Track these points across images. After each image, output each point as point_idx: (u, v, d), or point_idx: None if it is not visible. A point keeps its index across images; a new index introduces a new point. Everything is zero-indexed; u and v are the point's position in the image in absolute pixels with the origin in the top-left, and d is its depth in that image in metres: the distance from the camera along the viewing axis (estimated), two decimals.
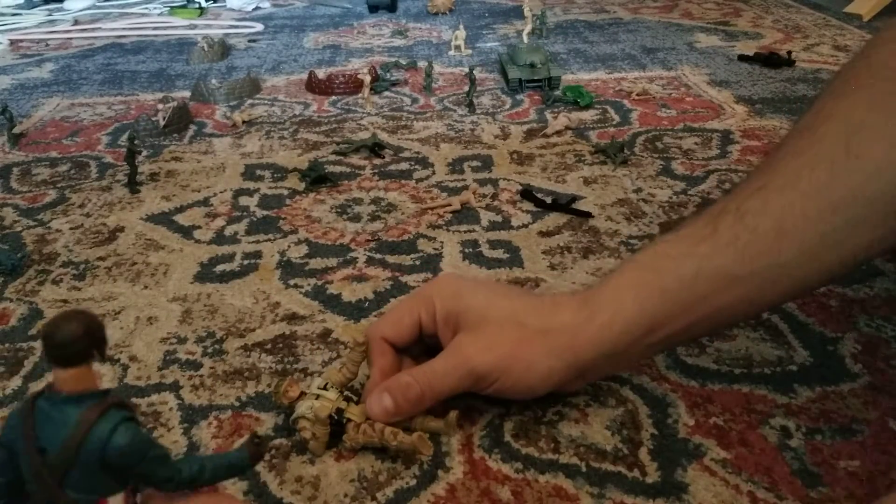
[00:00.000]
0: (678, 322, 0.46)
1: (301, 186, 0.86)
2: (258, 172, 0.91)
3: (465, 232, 0.75)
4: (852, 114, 0.46)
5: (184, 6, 1.89)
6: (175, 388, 0.54)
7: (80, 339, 0.33)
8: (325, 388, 0.48)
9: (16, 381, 0.55)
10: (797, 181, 0.45)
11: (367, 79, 1.11)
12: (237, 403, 0.52)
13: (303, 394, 0.48)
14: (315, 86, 1.20)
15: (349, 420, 0.47)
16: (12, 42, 1.59)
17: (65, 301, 0.65)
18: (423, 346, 0.51)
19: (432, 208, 0.79)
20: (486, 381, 0.46)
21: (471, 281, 0.55)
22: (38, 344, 0.59)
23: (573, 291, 0.49)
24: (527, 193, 0.82)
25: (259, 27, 1.68)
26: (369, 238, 0.74)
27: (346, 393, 0.48)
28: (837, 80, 0.50)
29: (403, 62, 1.34)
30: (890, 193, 0.43)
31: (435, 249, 0.72)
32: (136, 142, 0.88)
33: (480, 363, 0.45)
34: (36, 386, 0.54)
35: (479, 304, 0.47)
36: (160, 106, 1.05)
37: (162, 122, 1.02)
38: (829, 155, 0.45)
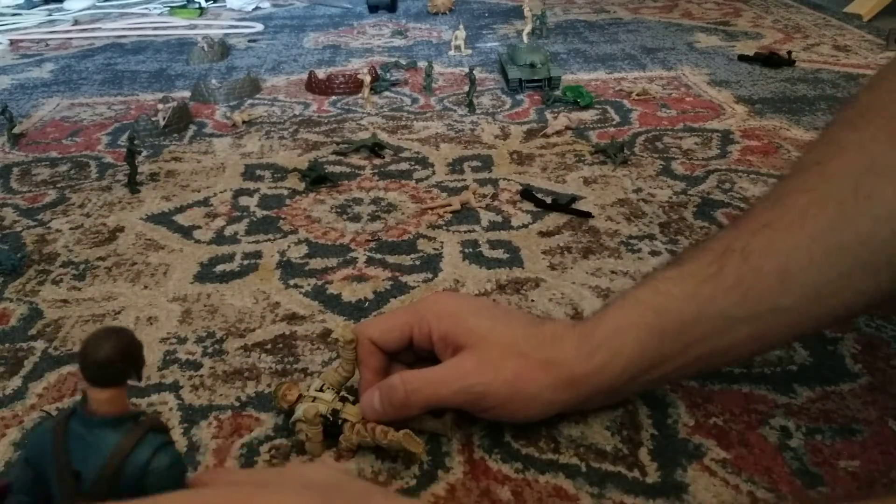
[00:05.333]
0: (675, 362, 0.46)
1: (301, 186, 0.86)
2: (258, 172, 0.91)
3: (465, 232, 0.75)
4: (864, 149, 0.44)
5: (184, 6, 1.89)
6: (175, 388, 0.54)
7: (119, 360, 0.33)
8: (321, 390, 0.48)
9: (16, 381, 0.55)
10: (804, 221, 0.44)
11: (367, 79, 1.11)
12: (237, 403, 0.52)
13: (301, 396, 0.48)
14: (315, 86, 1.20)
15: (345, 420, 0.47)
16: (12, 42, 1.59)
17: (65, 301, 0.65)
18: (413, 354, 0.50)
19: (432, 208, 0.79)
20: (483, 404, 0.45)
21: (469, 301, 0.54)
22: (38, 344, 0.59)
23: (573, 322, 0.48)
24: (527, 193, 0.82)
25: (259, 27, 1.68)
26: (369, 238, 0.74)
27: (342, 393, 0.48)
28: (851, 108, 0.48)
29: (403, 62, 1.34)
30: None
31: (435, 249, 0.72)
32: (136, 142, 0.88)
33: (479, 382, 0.45)
34: (36, 386, 0.54)
35: (480, 327, 0.47)
36: (160, 106, 1.05)
37: (162, 122, 1.02)
38: (838, 195, 0.43)
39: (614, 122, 1.04)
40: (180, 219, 0.79)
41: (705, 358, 0.46)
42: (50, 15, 1.83)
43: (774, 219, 0.45)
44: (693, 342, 0.45)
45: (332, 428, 0.47)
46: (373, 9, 1.80)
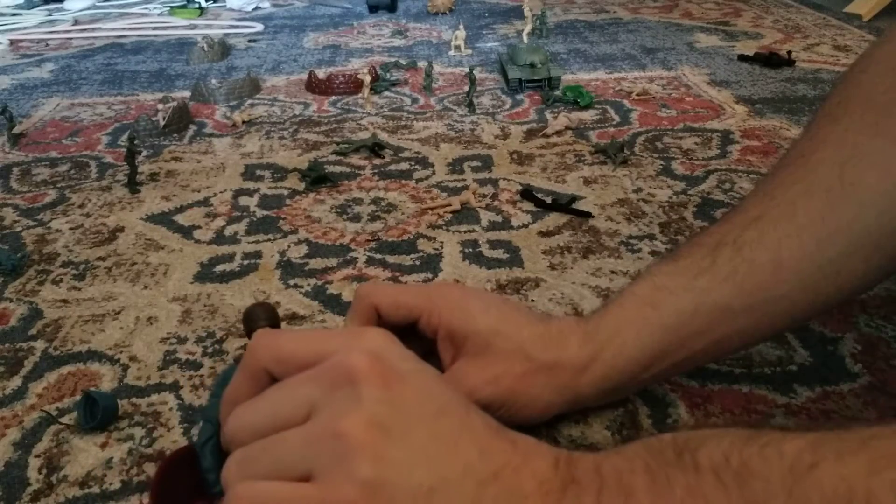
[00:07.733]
0: (675, 356, 0.46)
1: (301, 186, 0.86)
2: (258, 172, 0.91)
3: (465, 232, 0.75)
4: (845, 140, 0.46)
5: (184, 6, 1.89)
6: (175, 388, 0.54)
7: (274, 311, 0.46)
8: None
9: (16, 381, 0.55)
10: (793, 211, 0.45)
11: (367, 79, 1.11)
12: None
13: None
14: (315, 86, 1.20)
15: None
16: (12, 42, 1.59)
17: (65, 301, 0.65)
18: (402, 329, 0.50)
19: (432, 208, 0.79)
20: (485, 410, 0.45)
21: (480, 298, 0.53)
22: (38, 344, 0.59)
23: (578, 320, 0.48)
24: (527, 193, 0.82)
25: (259, 27, 1.68)
26: (369, 238, 0.74)
27: None
28: (830, 102, 0.50)
29: (403, 62, 1.34)
30: (884, 223, 0.44)
31: (435, 249, 0.72)
32: (136, 142, 0.88)
33: (485, 396, 0.44)
34: (36, 386, 0.54)
35: (487, 330, 0.46)
36: (160, 106, 1.05)
37: (162, 122, 1.02)
38: (825, 183, 0.45)
39: (614, 122, 1.04)
40: (180, 219, 0.79)
41: (703, 351, 0.46)
42: (50, 15, 1.83)
43: (764, 211, 0.46)
44: (692, 335, 0.45)
45: None
46: (373, 9, 1.80)
